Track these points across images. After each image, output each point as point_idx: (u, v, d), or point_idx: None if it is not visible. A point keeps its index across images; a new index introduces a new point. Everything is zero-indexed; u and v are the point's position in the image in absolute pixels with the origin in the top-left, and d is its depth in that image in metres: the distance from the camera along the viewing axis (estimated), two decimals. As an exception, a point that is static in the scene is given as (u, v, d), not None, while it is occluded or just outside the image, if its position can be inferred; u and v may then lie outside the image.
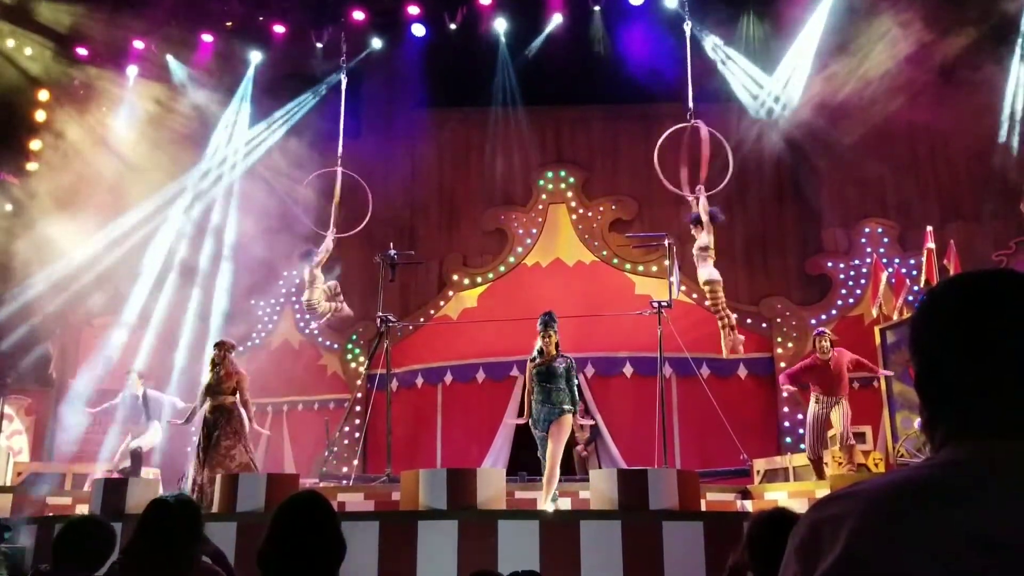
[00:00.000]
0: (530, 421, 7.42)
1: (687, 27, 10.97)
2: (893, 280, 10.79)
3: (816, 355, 8.83)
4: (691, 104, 10.50)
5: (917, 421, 8.70)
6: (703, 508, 7.37)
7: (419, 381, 12.72)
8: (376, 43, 13.13)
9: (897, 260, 11.92)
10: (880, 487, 0.92)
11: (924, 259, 10.14)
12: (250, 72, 13.55)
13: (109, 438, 10.99)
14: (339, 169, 11.75)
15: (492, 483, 6.80)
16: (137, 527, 2.76)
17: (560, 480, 7.68)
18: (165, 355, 12.86)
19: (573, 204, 13.35)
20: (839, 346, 8.95)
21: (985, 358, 0.94)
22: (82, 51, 13.13)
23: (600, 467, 10.73)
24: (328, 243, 11.26)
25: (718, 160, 10.40)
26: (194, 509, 2.86)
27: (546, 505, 7.17)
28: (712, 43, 12.36)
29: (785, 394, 9.05)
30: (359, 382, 12.57)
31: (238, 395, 8.56)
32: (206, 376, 8.94)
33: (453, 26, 12.80)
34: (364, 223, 11.57)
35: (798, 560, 0.93)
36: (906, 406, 9.43)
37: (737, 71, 12.57)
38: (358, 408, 12.50)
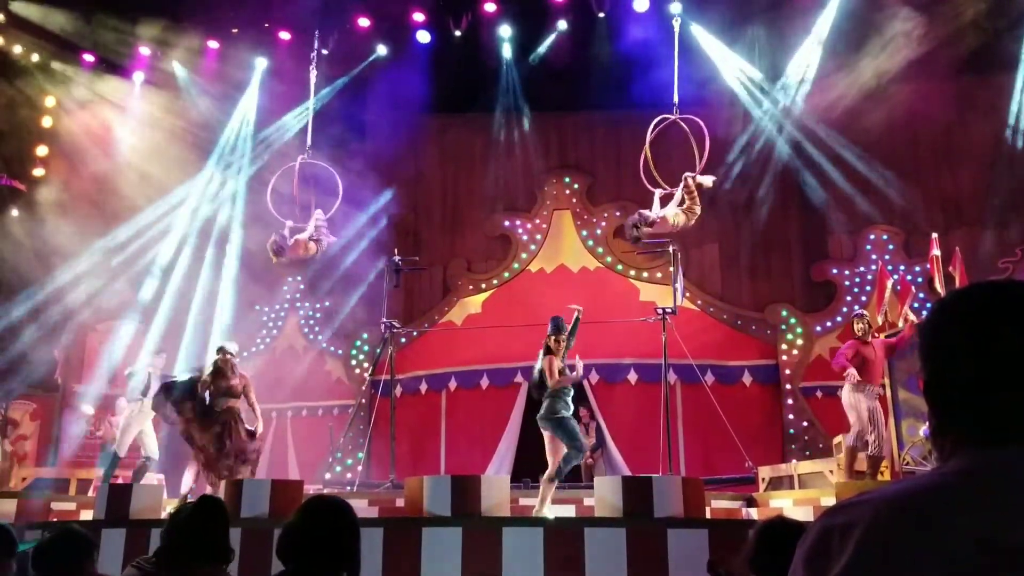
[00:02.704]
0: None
1: (676, 23, 10.74)
2: (898, 287, 10.77)
3: (856, 340, 8.42)
4: (676, 99, 10.29)
5: (923, 429, 8.67)
6: (708, 516, 7.34)
7: (423, 387, 12.72)
8: (381, 49, 13.17)
9: (902, 267, 11.91)
10: (889, 495, 0.92)
11: (930, 266, 10.12)
12: (256, 78, 13.60)
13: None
14: (300, 159, 11.29)
15: (496, 490, 6.79)
16: (168, 527, 2.86)
17: (565, 487, 7.66)
18: (170, 358, 12.89)
19: (577, 210, 13.36)
20: (841, 353, 8.80)
21: (994, 367, 0.95)
22: (88, 58, 13.18)
23: (605, 474, 10.70)
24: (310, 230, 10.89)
25: (711, 155, 10.34)
26: (222, 506, 2.97)
27: (543, 511, 7.04)
28: (717, 48, 12.37)
29: (850, 373, 8.08)
30: (363, 388, 12.57)
31: (244, 397, 8.73)
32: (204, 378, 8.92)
33: (458, 32, 12.84)
34: (336, 206, 11.02)
35: (806, 568, 0.93)
36: (911, 413, 9.40)
37: (742, 76, 12.57)
38: (362, 414, 12.49)
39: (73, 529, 3.03)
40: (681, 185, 9.71)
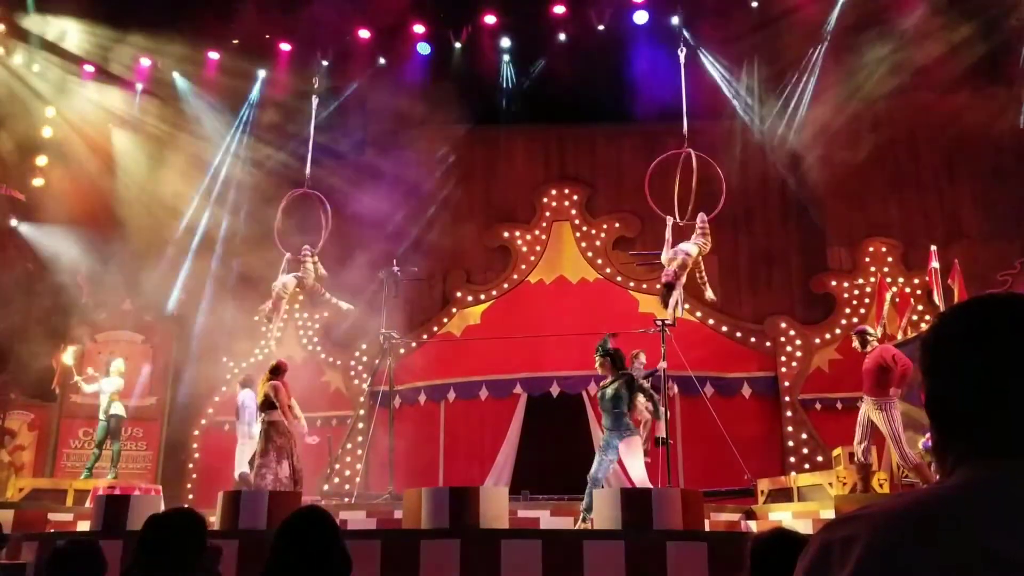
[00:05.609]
0: None
1: (681, 54, 10.92)
2: (897, 299, 10.78)
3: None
4: (686, 130, 10.45)
5: (922, 441, 8.63)
6: (707, 528, 7.33)
7: (422, 398, 12.69)
8: (382, 61, 13.21)
9: (901, 279, 11.91)
10: (891, 509, 0.91)
11: (928, 278, 10.13)
12: (256, 89, 13.62)
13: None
14: (305, 190, 11.53)
15: (495, 502, 6.77)
16: (138, 544, 2.71)
17: (564, 499, 7.62)
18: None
19: (577, 222, 13.37)
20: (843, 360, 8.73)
21: (996, 381, 0.95)
22: (89, 68, 13.21)
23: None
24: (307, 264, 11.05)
25: (712, 186, 10.37)
26: (197, 521, 2.81)
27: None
28: (715, 63, 12.41)
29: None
30: (362, 399, 12.54)
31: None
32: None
33: (458, 44, 12.88)
34: (322, 241, 11.33)
35: (807, 582, 0.93)
36: (911, 426, 9.36)
37: (740, 91, 12.60)
38: (360, 425, 12.47)
39: (87, 543, 2.94)
40: (698, 226, 9.74)
